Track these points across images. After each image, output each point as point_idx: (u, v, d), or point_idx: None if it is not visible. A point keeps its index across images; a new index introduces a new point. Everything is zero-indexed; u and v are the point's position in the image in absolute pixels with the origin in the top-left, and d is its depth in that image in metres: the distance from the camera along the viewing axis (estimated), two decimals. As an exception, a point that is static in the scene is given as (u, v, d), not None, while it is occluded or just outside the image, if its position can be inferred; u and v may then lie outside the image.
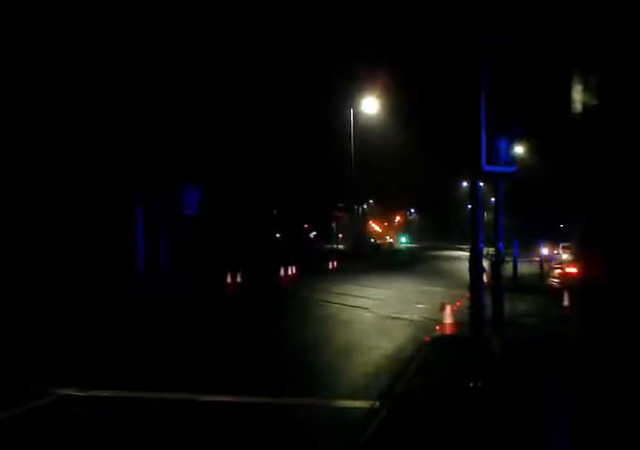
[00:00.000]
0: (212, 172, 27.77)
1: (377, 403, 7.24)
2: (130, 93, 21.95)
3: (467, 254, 10.99)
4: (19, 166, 19.09)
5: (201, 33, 25.36)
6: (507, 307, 12.91)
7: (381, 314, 15.33)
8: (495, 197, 13.59)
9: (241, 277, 23.10)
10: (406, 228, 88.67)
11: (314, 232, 51.99)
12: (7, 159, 18.68)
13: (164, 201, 24.15)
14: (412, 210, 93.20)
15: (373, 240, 59.85)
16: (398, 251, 63.37)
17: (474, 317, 10.24)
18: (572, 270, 19.35)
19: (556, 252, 32.92)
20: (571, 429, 5.76)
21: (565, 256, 30.34)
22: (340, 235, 55.04)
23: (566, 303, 14.50)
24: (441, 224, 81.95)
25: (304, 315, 15.19)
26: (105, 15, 20.78)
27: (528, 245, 31.69)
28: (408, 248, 70.94)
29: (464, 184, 46.86)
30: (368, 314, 15.39)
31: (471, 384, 7.59)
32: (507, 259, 20.56)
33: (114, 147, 21.98)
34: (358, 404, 7.29)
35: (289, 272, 27.12)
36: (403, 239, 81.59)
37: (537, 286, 22.06)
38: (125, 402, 7.29)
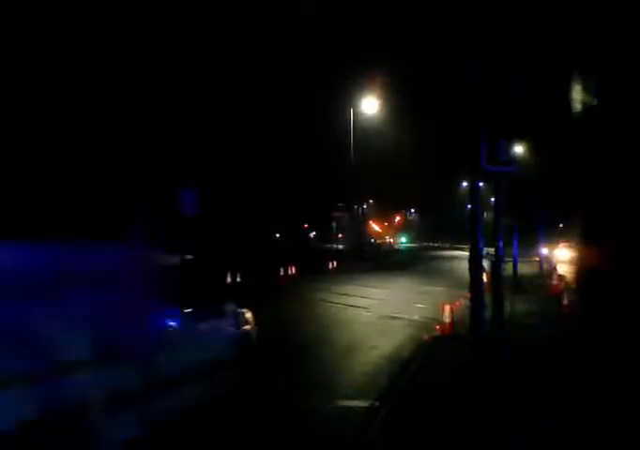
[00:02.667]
0: (212, 173, 27.78)
1: (377, 403, 7.26)
2: (131, 93, 21.97)
3: (467, 254, 11.01)
4: (15, 163, 19.04)
5: (202, 33, 25.38)
6: (506, 306, 12.95)
7: (381, 314, 15.34)
8: (494, 197, 13.60)
9: (241, 278, 23.11)
10: (406, 228, 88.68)
11: (314, 232, 51.97)
12: (4, 158, 18.66)
13: (164, 201, 24.16)
14: (412, 210, 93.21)
15: (373, 240, 59.79)
16: (398, 251, 63.37)
17: (474, 316, 10.27)
18: (572, 270, 19.32)
19: (555, 252, 32.94)
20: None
21: (564, 255, 30.39)
22: (340, 235, 55.01)
23: (565, 302, 14.52)
24: (441, 224, 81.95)
25: (304, 315, 15.20)
26: (105, 15, 20.80)
27: (528, 244, 31.69)
28: (408, 248, 70.96)
29: (464, 184, 46.83)
30: (368, 314, 15.40)
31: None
32: (506, 258, 20.59)
33: (112, 147, 21.99)
34: (358, 403, 7.31)
35: (289, 272, 27.13)
36: (403, 239, 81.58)
37: (536, 286, 22.05)
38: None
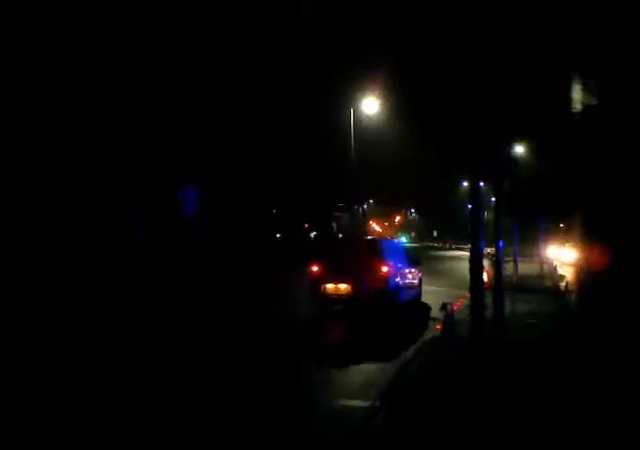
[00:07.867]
0: (211, 173, 27.78)
1: (377, 402, 7.26)
2: (130, 93, 21.98)
3: (467, 254, 11.01)
4: (15, 165, 19.01)
5: (202, 33, 25.39)
6: (507, 306, 12.96)
7: (381, 314, 15.31)
8: (495, 197, 13.61)
9: (241, 279, 23.09)
10: (406, 228, 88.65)
11: (314, 233, 51.97)
12: (3, 159, 18.63)
13: (163, 201, 24.12)
14: (412, 210, 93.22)
15: (372, 240, 59.63)
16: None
17: (474, 316, 10.27)
18: (573, 270, 19.30)
19: (555, 252, 32.91)
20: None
21: (564, 255, 30.35)
22: (340, 235, 55.00)
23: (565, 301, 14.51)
24: (441, 224, 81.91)
25: (305, 314, 15.18)
26: (105, 15, 20.81)
27: (529, 244, 31.66)
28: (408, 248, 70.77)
29: (465, 184, 46.75)
30: (368, 314, 15.38)
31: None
32: (507, 258, 20.56)
33: (111, 147, 21.99)
34: (358, 403, 7.31)
35: (289, 272, 27.09)
36: (403, 239, 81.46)
37: (537, 285, 22.07)
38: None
